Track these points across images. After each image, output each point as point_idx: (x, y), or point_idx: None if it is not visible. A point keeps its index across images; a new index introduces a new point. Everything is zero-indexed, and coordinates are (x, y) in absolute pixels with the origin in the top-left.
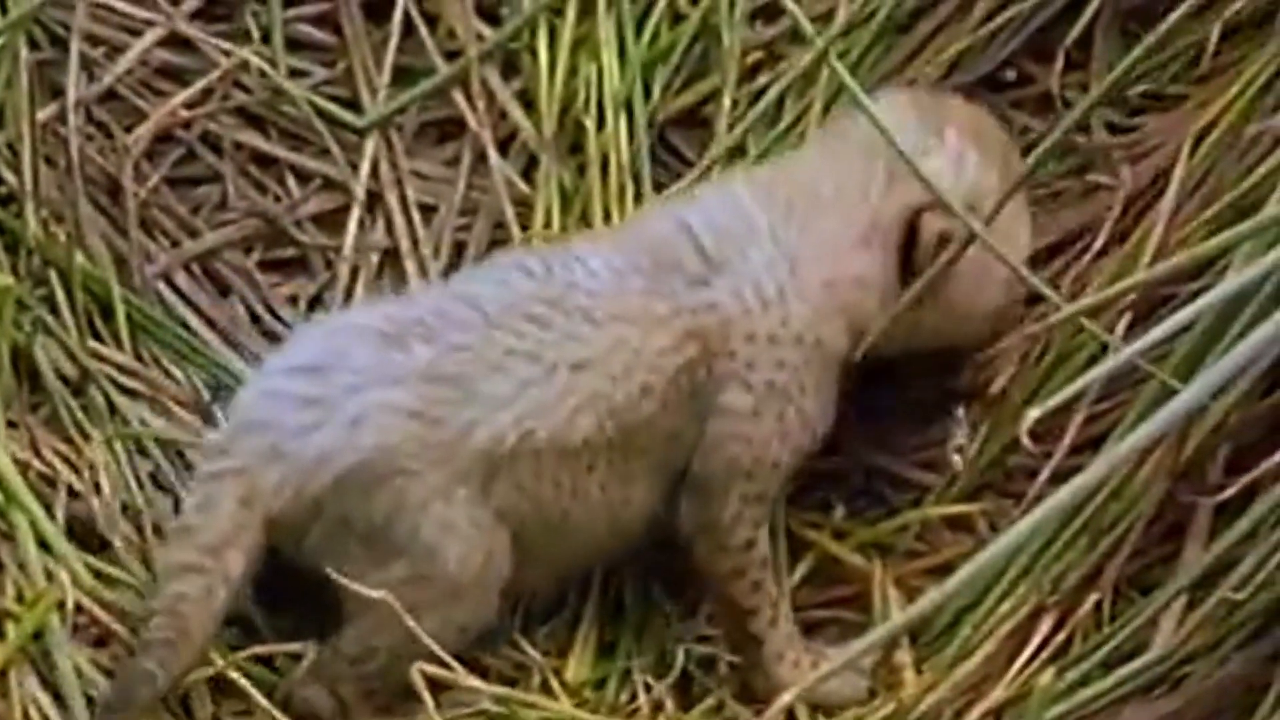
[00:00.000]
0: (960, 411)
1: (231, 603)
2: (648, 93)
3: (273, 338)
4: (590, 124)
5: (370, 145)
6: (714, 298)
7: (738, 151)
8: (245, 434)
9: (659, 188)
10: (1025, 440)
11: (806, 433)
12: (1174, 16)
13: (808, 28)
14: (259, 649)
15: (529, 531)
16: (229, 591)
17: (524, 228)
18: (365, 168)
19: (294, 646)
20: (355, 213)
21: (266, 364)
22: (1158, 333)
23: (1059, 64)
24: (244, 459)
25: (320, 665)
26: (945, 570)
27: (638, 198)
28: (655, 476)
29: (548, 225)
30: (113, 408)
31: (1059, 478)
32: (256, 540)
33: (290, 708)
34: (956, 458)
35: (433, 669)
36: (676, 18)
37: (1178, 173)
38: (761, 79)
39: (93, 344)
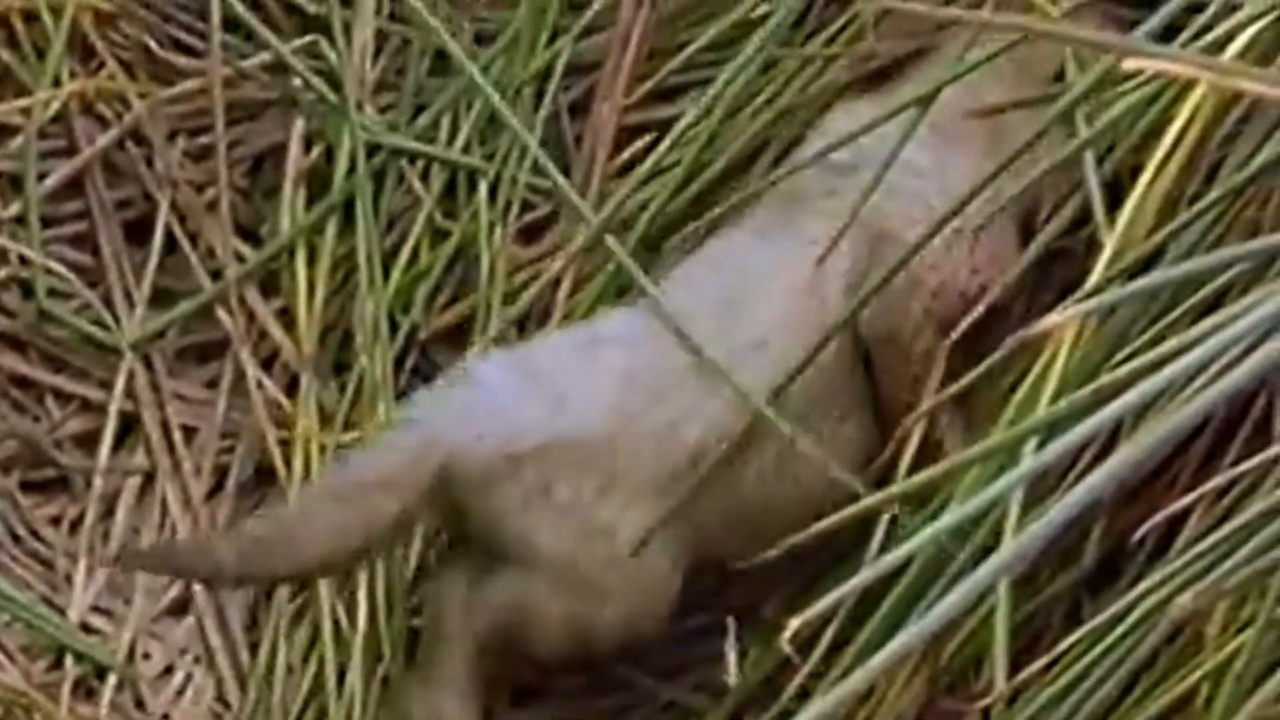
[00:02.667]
0: (730, 622)
1: (377, 550)
2: (408, 309)
3: (36, 558)
4: (351, 342)
5: (129, 366)
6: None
7: None
8: (448, 394)
9: None
10: (788, 649)
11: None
12: None
13: (584, 208)
14: None
15: None
16: (367, 535)
17: (284, 446)
18: (119, 388)
19: None
20: (108, 435)
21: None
22: (890, 559)
23: None
24: (439, 416)
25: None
26: None
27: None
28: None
29: (307, 445)
30: None
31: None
32: (417, 496)
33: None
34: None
35: None
36: (437, 234)
37: (930, 386)
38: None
39: None
